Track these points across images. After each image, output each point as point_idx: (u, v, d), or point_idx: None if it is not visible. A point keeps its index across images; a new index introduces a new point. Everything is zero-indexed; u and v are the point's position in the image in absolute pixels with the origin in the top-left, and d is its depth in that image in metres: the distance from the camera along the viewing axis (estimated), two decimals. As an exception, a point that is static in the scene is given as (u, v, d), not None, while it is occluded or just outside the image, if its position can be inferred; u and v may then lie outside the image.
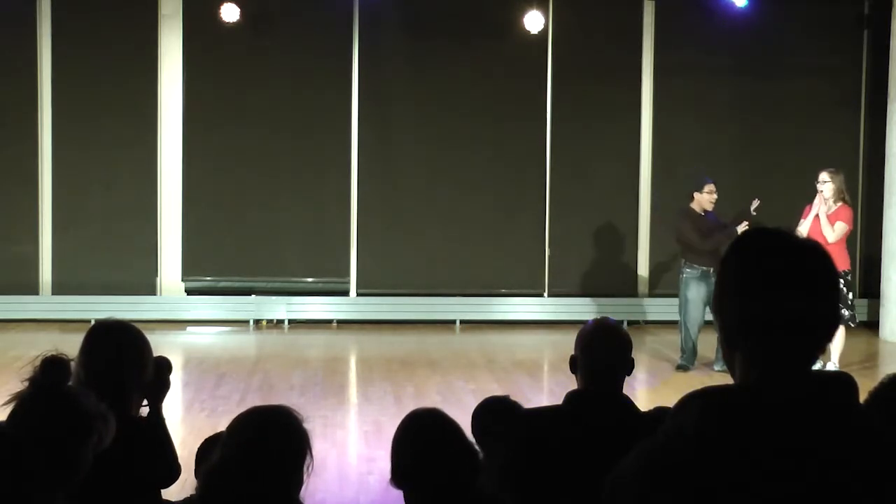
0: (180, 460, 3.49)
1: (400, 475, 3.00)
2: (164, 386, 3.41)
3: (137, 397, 3.34)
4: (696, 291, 9.49)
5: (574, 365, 3.28)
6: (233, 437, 2.71)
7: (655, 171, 12.62)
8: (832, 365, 8.97)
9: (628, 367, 3.29)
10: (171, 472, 3.40)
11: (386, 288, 12.36)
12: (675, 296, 11.30)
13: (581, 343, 3.28)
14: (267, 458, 2.66)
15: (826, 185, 9.32)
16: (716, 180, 9.84)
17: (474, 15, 12.25)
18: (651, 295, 12.57)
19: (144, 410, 3.37)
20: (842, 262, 9.17)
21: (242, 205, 12.18)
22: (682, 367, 9.59)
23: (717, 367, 9.36)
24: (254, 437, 2.70)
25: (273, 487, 2.66)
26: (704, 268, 9.42)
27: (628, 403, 3.22)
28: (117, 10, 12.01)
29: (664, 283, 12.35)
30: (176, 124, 12.20)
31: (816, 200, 9.32)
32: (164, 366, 3.41)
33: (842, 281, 9.17)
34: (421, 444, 3.02)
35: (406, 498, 3.01)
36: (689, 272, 9.58)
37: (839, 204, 9.33)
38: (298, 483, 2.70)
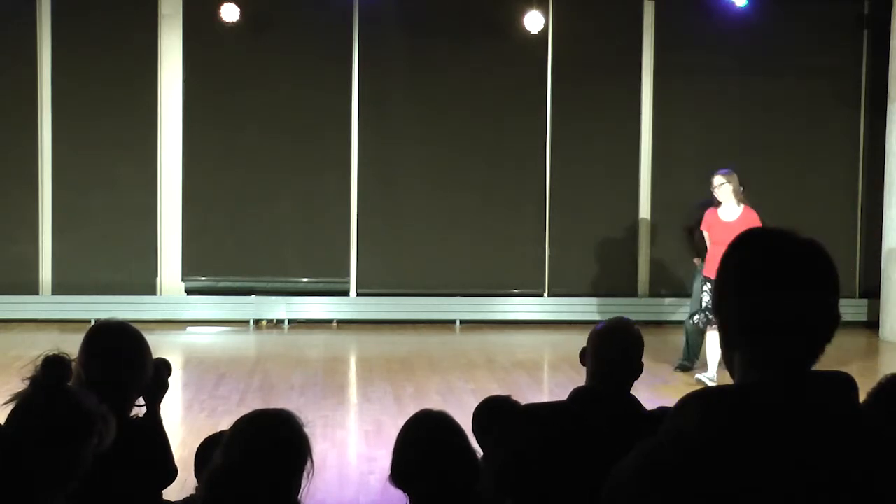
0: (180, 460, 3.49)
1: (399, 474, 3.01)
2: (162, 387, 3.40)
3: (135, 398, 3.34)
4: (699, 287, 9.43)
5: (584, 358, 3.27)
6: (234, 441, 2.72)
7: (655, 171, 12.61)
8: (708, 377, 8.62)
9: (637, 368, 3.27)
10: (168, 473, 3.40)
11: (386, 288, 12.36)
12: (675, 296, 11.34)
13: (593, 339, 3.26)
14: (268, 462, 2.66)
15: (723, 187, 8.85)
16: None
17: (474, 15, 12.26)
18: (651, 295, 12.57)
19: (141, 411, 3.37)
20: None
21: (242, 205, 12.18)
22: (681, 367, 9.49)
23: (698, 376, 9.02)
24: (255, 440, 2.70)
25: (274, 491, 2.66)
26: None
27: (633, 403, 3.21)
28: (117, 10, 12.01)
29: (664, 283, 12.36)
30: (176, 124, 12.20)
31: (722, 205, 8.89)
32: (163, 367, 3.41)
33: None
34: (422, 445, 3.03)
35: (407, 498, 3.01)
36: (698, 266, 9.56)
37: (742, 207, 8.84)
38: (297, 487, 2.71)
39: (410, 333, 11.91)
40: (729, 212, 8.88)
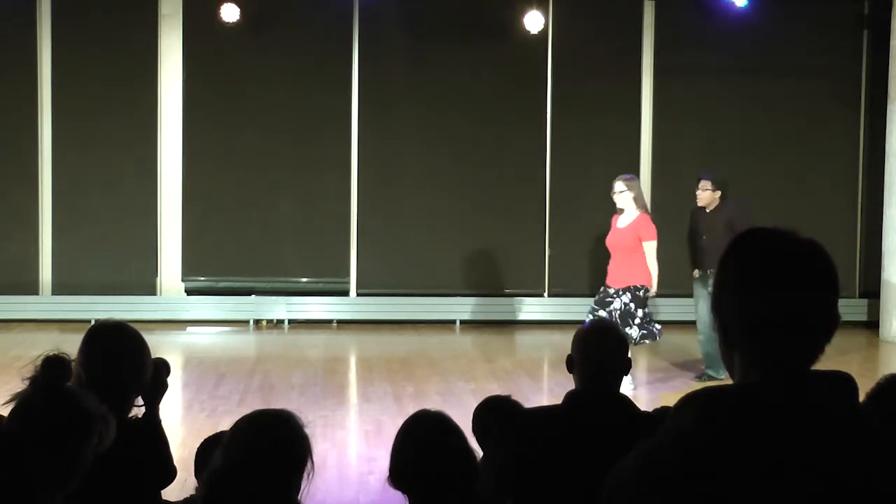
0: (180, 460, 3.49)
1: (397, 475, 3.01)
2: (161, 387, 3.40)
3: (135, 398, 3.33)
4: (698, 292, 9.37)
5: (571, 364, 3.29)
6: (235, 441, 2.72)
7: (655, 171, 12.61)
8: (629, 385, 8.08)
9: (625, 367, 3.30)
10: (167, 474, 3.40)
11: (386, 288, 12.36)
12: (676, 296, 11.32)
13: (578, 343, 3.29)
14: (268, 462, 2.66)
15: (623, 195, 8.52)
16: (700, 177, 9.59)
17: (474, 15, 12.25)
18: (651, 295, 12.55)
19: (140, 411, 3.36)
20: (644, 276, 8.53)
21: (242, 205, 12.18)
22: (704, 376, 9.07)
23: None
24: (256, 441, 2.70)
25: (274, 491, 2.66)
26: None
27: (627, 403, 3.23)
28: (117, 10, 12.01)
29: (664, 283, 12.31)
30: (176, 124, 12.20)
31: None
32: (162, 367, 3.41)
33: (629, 296, 8.54)
34: (420, 445, 3.03)
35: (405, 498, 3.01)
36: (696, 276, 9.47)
37: (639, 213, 8.54)
38: (297, 487, 2.71)
39: (410, 333, 11.91)
40: (625, 218, 8.64)
